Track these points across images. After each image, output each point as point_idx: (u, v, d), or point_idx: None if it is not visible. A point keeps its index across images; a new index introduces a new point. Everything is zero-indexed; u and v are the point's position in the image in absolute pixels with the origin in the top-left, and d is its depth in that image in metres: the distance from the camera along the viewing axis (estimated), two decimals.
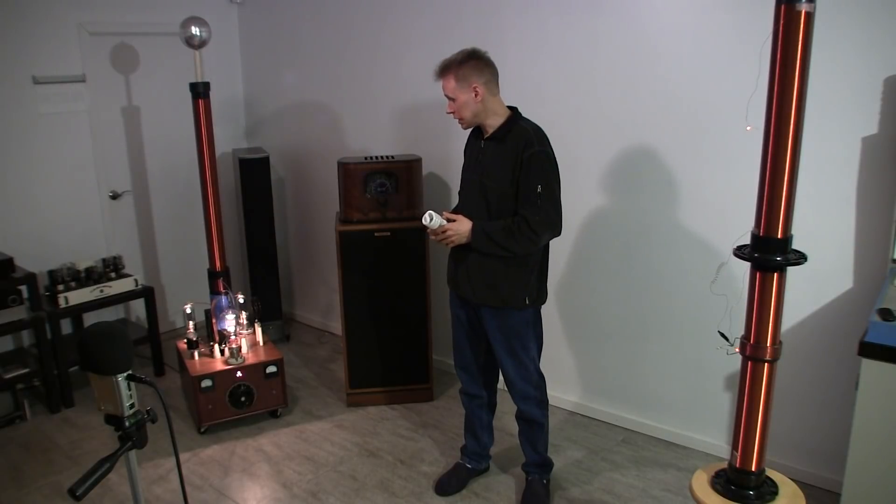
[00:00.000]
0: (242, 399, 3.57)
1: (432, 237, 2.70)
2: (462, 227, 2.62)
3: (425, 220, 2.60)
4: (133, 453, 1.63)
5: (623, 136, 3.25)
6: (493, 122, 2.64)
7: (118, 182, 4.54)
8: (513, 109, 2.68)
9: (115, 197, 4.53)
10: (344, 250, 3.63)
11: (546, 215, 2.54)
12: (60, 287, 3.90)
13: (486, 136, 2.67)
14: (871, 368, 2.15)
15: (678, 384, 3.33)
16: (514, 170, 2.56)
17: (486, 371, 2.97)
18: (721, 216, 3.02)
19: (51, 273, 3.96)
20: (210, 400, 3.51)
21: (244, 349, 3.66)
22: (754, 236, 1.84)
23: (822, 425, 2.93)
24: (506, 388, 2.90)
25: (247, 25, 4.96)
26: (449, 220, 2.65)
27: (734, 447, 1.98)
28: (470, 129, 2.80)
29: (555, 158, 2.60)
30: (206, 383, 3.49)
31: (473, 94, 2.57)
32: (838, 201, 2.73)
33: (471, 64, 2.57)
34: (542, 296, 2.77)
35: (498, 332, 2.75)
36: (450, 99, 2.61)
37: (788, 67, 1.70)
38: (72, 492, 1.44)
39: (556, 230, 2.60)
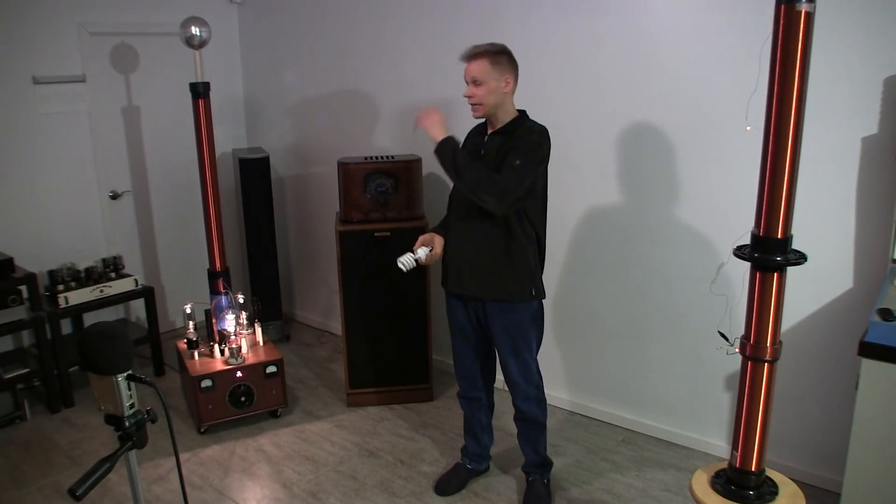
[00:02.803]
0: (242, 399, 3.57)
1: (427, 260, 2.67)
2: (439, 126, 2.61)
3: (404, 265, 2.66)
4: (133, 453, 1.63)
5: (623, 135, 3.25)
6: (504, 118, 2.66)
7: (118, 182, 4.54)
8: (521, 112, 2.70)
9: (115, 197, 4.53)
10: (344, 250, 3.63)
11: (507, 186, 2.46)
12: (60, 287, 3.90)
13: (492, 130, 2.67)
14: (871, 368, 2.15)
15: (678, 384, 3.33)
16: None
17: (485, 374, 2.97)
18: (721, 216, 3.02)
19: (51, 273, 3.96)
20: (210, 400, 3.51)
21: (244, 349, 3.66)
22: (754, 236, 1.84)
23: (822, 425, 2.93)
24: (503, 388, 2.89)
25: (247, 25, 4.96)
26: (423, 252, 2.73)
27: (734, 447, 1.98)
28: (475, 127, 2.81)
29: (545, 156, 2.57)
30: (206, 383, 3.49)
31: (504, 84, 2.59)
32: (838, 201, 2.73)
33: (508, 56, 2.61)
34: (543, 288, 2.79)
35: (503, 332, 2.74)
36: (474, 83, 2.56)
37: (788, 67, 1.70)
38: (72, 492, 1.44)
39: (501, 200, 2.48)
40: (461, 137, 2.87)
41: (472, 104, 2.61)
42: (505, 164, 2.51)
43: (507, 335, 2.74)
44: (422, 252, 2.73)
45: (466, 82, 2.60)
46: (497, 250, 2.64)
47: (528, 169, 2.50)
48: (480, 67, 2.56)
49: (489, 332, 2.80)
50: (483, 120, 2.76)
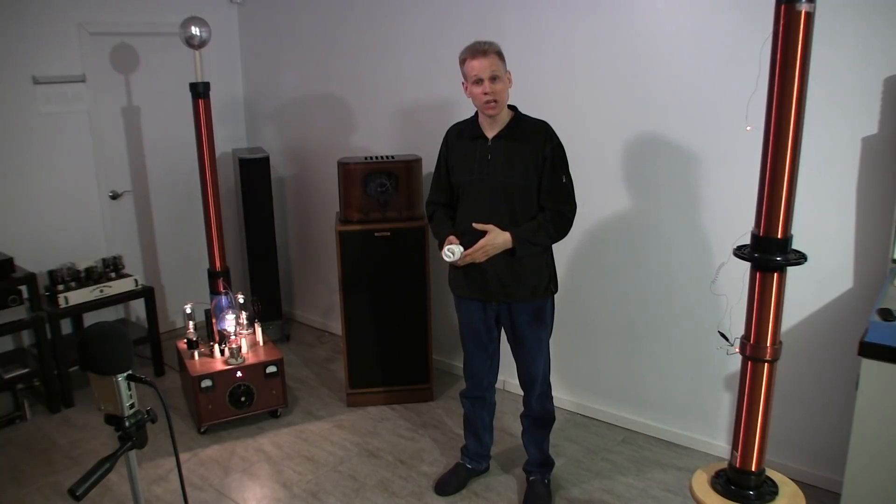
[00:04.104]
0: (242, 399, 3.57)
1: (464, 261, 2.62)
2: (498, 239, 2.57)
3: (448, 256, 2.60)
4: (133, 453, 1.63)
5: (622, 136, 3.25)
6: (505, 116, 2.65)
7: (118, 182, 4.54)
8: (513, 108, 2.70)
9: (115, 197, 4.53)
10: (344, 250, 3.63)
11: (574, 204, 2.67)
12: (60, 287, 3.90)
13: (493, 133, 2.65)
14: (871, 368, 2.15)
15: (678, 384, 3.33)
16: (537, 165, 2.60)
17: (491, 373, 2.98)
18: (721, 216, 3.02)
19: (51, 273, 3.96)
20: (210, 400, 3.51)
21: (244, 349, 3.66)
22: (754, 236, 1.84)
23: (822, 425, 2.93)
24: (503, 388, 2.89)
25: (247, 25, 4.96)
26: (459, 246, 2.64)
27: (734, 447, 1.98)
28: (456, 130, 2.80)
29: None
30: (206, 383, 3.49)
31: (509, 80, 2.61)
32: (838, 201, 2.73)
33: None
34: (557, 282, 2.84)
35: (530, 331, 2.75)
36: (493, 79, 2.53)
37: (788, 67, 1.70)
38: (72, 492, 1.44)
39: (574, 217, 2.70)
40: (438, 140, 2.85)
41: (490, 101, 2.55)
42: (556, 189, 2.62)
43: (533, 333, 2.76)
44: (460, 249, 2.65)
45: (476, 80, 2.54)
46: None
47: (569, 174, 2.66)
48: (496, 63, 2.55)
49: (512, 332, 2.80)
50: (470, 118, 2.76)
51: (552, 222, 2.62)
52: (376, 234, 3.61)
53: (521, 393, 2.93)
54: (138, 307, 4.51)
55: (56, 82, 4.11)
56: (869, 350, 2.14)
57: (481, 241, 2.58)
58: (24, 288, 3.71)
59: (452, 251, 2.60)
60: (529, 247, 2.62)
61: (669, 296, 3.26)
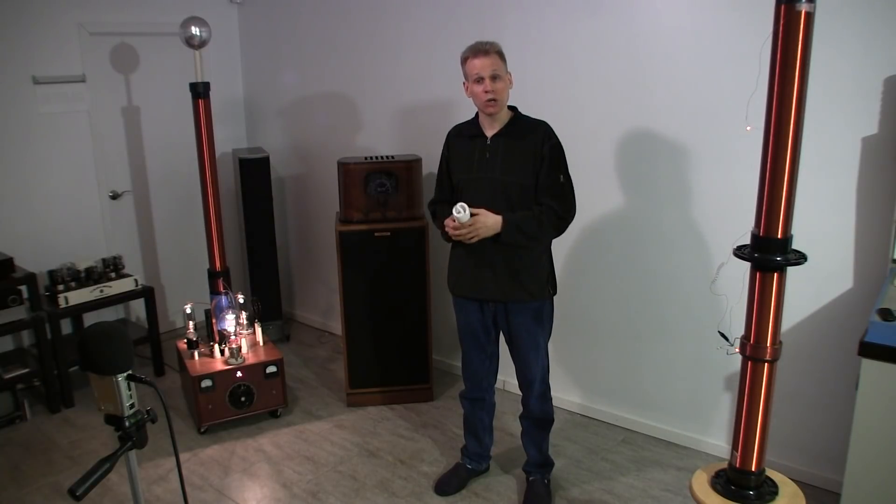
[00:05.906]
0: (242, 399, 3.57)
1: (454, 234, 2.60)
2: (488, 220, 2.56)
3: (458, 211, 2.55)
4: (133, 453, 1.63)
5: (623, 136, 3.25)
6: (505, 116, 2.66)
7: (118, 182, 4.54)
8: (513, 108, 2.70)
9: (115, 197, 4.53)
10: (344, 250, 3.63)
11: (571, 204, 2.64)
12: (60, 287, 3.90)
13: (492, 132, 2.65)
14: (871, 368, 2.15)
15: (678, 384, 3.33)
16: (535, 163, 2.60)
17: (490, 374, 2.98)
18: (721, 216, 3.02)
19: (51, 273, 3.96)
20: (210, 400, 3.51)
21: (244, 349, 3.66)
22: (754, 236, 1.84)
23: (822, 425, 2.93)
24: (503, 388, 2.89)
25: (247, 25, 4.96)
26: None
27: (734, 447, 1.98)
28: (457, 130, 2.81)
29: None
30: (206, 383, 3.49)
31: (510, 80, 2.62)
32: (838, 201, 2.73)
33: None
34: (556, 284, 2.82)
35: (525, 332, 2.74)
36: (494, 78, 2.54)
37: (788, 67, 1.70)
38: (72, 492, 1.44)
39: (571, 218, 2.67)
40: (438, 139, 2.85)
41: (491, 100, 2.56)
42: (551, 187, 2.60)
43: (528, 334, 2.75)
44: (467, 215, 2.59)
45: (477, 79, 2.55)
46: (518, 253, 2.64)
47: (568, 174, 2.64)
48: (497, 63, 2.56)
49: (508, 333, 2.80)
50: (470, 119, 2.76)
51: (544, 216, 2.59)
52: (376, 234, 3.61)
53: (521, 393, 2.93)
54: (138, 307, 4.51)
55: (56, 82, 4.11)
56: (869, 350, 2.14)
57: (472, 220, 2.56)
58: (24, 288, 3.72)
59: (464, 206, 2.54)
60: (518, 235, 2.57)
61: (669, 296, 3.26)
